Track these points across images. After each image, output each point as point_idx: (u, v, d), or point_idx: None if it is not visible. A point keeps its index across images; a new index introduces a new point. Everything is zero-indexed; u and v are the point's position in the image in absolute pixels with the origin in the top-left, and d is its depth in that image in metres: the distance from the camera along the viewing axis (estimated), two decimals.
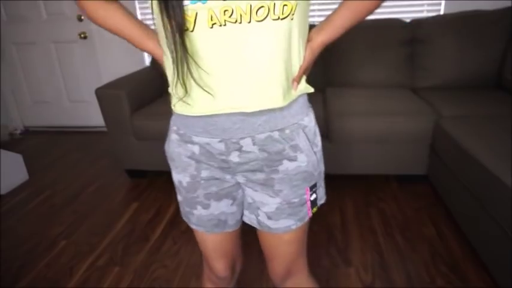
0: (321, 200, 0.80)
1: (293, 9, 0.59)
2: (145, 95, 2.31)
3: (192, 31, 0.58)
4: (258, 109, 0.64)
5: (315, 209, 0.79)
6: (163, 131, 2.30)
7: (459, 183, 1.56)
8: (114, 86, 2.15)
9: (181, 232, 1.77)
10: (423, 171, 1.99)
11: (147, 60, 2.97)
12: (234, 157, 0.71)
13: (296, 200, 0.74)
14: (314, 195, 0.77)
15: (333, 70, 2.39)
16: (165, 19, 0.58)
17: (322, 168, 0.78)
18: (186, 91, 0.64)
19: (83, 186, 2.30)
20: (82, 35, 2.96)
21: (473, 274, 1.40)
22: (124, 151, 2.24)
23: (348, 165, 2.04)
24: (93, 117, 3.23)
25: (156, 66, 2.58)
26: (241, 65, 0.60)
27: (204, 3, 0.56)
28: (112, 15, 0.73)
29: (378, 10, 0.72)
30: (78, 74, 3.16)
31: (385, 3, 2.42)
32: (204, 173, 0.75)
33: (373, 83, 2.33)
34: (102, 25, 0.74)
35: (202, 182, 0.76)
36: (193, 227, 0.83)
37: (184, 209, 0.82)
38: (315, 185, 0.76)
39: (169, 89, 0.70)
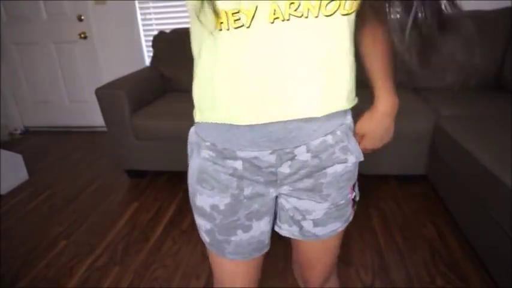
0: (357, 196, 0.75)
1: (358, 4, 0.54)
2: (145, 95, 2.31)
3: (248, 27, 0.51)
4: (325, 113, 0.58)
5: (355, 207, 0.75)
6: (163, 131, 2.29)
7: (459, 183, 1.56)
8: (114, 86, 2.15)
9: (181, 232, 1.77)
10: (423, 171, 1.99)
11: (147, 60, 2.97)
12: (285, 168, 0.64)
13: (343, 202, 0.70)
14: (354, 193, 0.73)
15: None
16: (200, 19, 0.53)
17: None
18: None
19: (83, 186, 2.30)
20: (82, 35, 2.96)
21: (473, 274, 1.40)
22: (124, 151, 2.24)
23: None
24: (93, 117, 3.23)
25: (156, 66, 2.58)
26: (305, 63, 0.54)
27: None
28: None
29: None
30: (78, 74, 3.16)
31: None
32: (247, 190, 0.66)
33: None
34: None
35: (245, 201, 0.67)
36: (229, 257, 0.72)
37: (215, 238, 0.70)
38: (355, 182, 0.73)
39: (196, 97, 0.63)
